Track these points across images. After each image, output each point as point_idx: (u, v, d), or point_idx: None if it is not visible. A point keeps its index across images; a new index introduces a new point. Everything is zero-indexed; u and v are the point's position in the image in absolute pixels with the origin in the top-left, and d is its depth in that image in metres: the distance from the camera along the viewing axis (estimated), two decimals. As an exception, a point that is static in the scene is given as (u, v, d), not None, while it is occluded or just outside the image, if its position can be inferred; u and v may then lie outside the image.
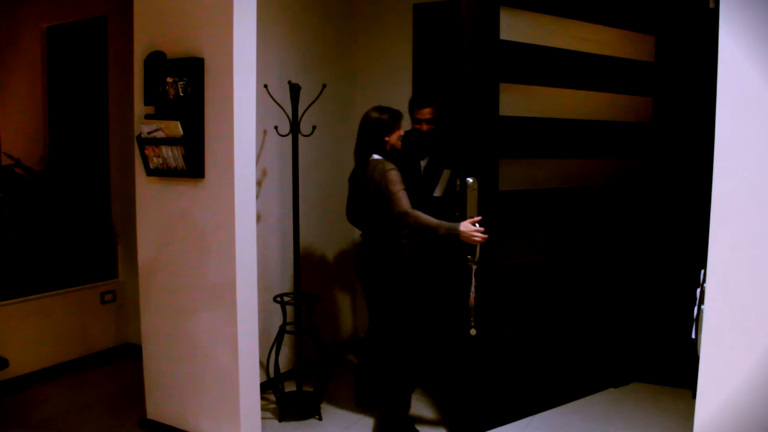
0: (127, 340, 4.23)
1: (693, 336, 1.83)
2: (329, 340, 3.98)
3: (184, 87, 2.71)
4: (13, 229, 4.00)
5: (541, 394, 3.31)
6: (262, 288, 3.08)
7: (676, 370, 3.59)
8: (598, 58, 3.27)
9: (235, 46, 2.61)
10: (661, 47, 3.52)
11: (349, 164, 3.11)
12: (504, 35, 2.92)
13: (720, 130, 1.73)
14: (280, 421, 3.21)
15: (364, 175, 2.93)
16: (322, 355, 3.27)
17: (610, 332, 3.57)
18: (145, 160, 2.87)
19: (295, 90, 3.17)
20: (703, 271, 1.79)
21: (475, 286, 2.80)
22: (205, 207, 2.76)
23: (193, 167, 2.73)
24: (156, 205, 2.93)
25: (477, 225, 2.71)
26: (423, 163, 3.39)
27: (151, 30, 2.85)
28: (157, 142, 2.77)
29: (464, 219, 2.76)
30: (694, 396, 1.84)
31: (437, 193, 3.36)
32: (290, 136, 3.23)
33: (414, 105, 3.33)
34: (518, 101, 3.03)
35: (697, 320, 1.81)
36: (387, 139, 2.92)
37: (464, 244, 2.73)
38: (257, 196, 2.90)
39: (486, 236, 2.70)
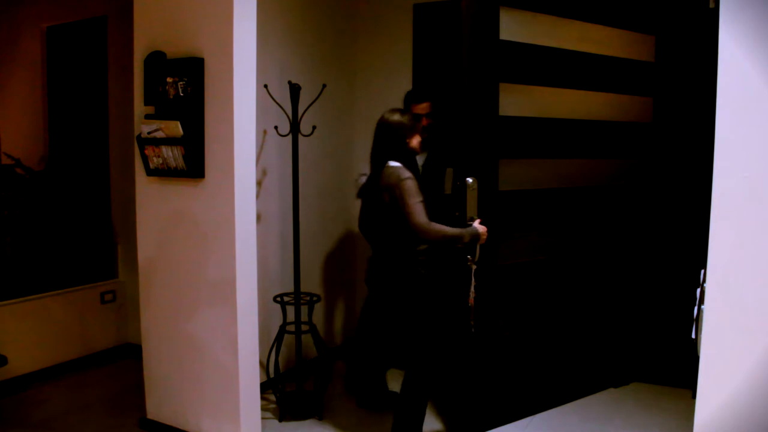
0: (127, 340, 4.23)
1: (693, 336, 1.83)
2: (329, 340, 3.98)
3: (184, 87, 2.71)
4: (13, 229, 4.00)
5: (541, 394, 3.31)
6: (262, 288, 3.08)
7: (676, 370, 3.59)
8: (598, 58, 3.27)
9: (235, 46, 2.61)
10: (661, 47, 3.52)
11: (350, 164, 3.12)
12: (504, 35, 2.92)
13: (720, 130, 1.73)
14: (280, 421, 3.21)
15: (379, 183, 2.70)
16: (322, 355, 3.27)
17: (610, 332, 3.56)
18: (145, 160, 2.87)
19: (295, 90, 3.17)
20: (703, 271, 1.79)
21: (475, 286, 2.80)
22: (205, 207, 2.76)
23: (193, 167, 2.73)
24: (156, 205, 2.93)
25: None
26: (420, 160, 3.35)
27: (151, 30, 2.85)
28: (157, 142, 2.76)
29: (464, 219, 2.77)
30: (694, 396, 1.84)
31: (447, 190, 3.34)
32: (290, 136, 3.23)
33: (411, 100, 3.29)
34: (518, 101, 3.03)
35: (697, 320, 1.80)
36: (408, 141, 2.73)
37: (447, 245, 2.73)
38: (257, 196, 2.90)
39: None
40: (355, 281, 4.18)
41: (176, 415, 2.97)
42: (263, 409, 3.20)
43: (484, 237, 2.70)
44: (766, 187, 1.68)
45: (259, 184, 3.36)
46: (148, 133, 2.78)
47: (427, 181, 3.34)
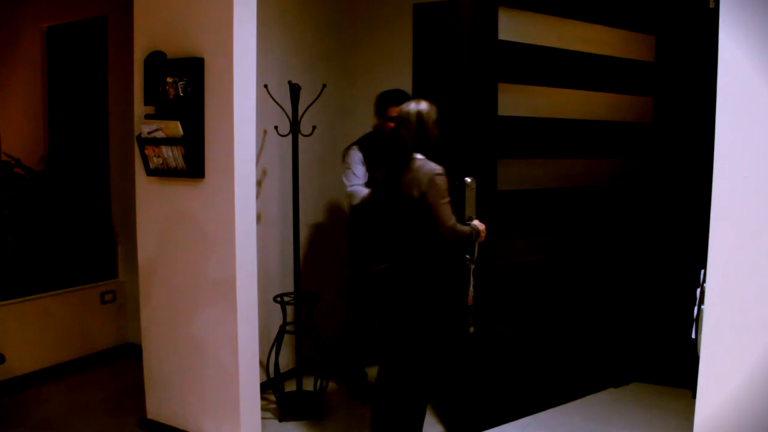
0: (127, 340, 4.23)
1: (693, 336, 1.83)
2: (329, 340, 3.98)
3: (184, 87, 2.71)
4: (13, 229, 4.00)
5: (541, 394, 3.31)
6: (262, 288, 3.08)
7: (676, 370, 3.59)
8: (598, 58, 3.27)
9: (235, 46, 2.61)
10: (661, 47, 3.52)
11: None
12: (503, 35, 2.92)
13: (720, 130, 1.72)
14: (280, 421, 3.21)
15: (405, 176, 2.55)
16: (322, 355, 3.27)
17: (610, 332, 3.57)
18: (145, 160, 2.87)
19: (295, 90, 3.17)
20: (703, 271, 1.79)
21: (474, 286, 2.80)
22: (205, 207, 2.76)
23: (193, 167, 2.73)
24: (156, 205, 2.93)
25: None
26: None
27: (151, 30, 2.85)
28: (157, 142, 2.76)
29: (463, 219, 2.77)
30: (694, 396, 1.84)
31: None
32: (290, 136, 3.23)
33: (388, 102, 3.22)
34: (517, 101, 3.04)
35: (697, 320, 1.80)
36: (435, 132, 2.61)
37: (462, 244, 2.74)
38: (257, 196, 2.90)
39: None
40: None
41: (176, 415, 2.97)
42: (263, 409, 3.20)
43: (484, 235, 2.71)
44: (766, 187, 1.68)
45: (259, 184, 3.36)
46: (148, 133, 2.78)
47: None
